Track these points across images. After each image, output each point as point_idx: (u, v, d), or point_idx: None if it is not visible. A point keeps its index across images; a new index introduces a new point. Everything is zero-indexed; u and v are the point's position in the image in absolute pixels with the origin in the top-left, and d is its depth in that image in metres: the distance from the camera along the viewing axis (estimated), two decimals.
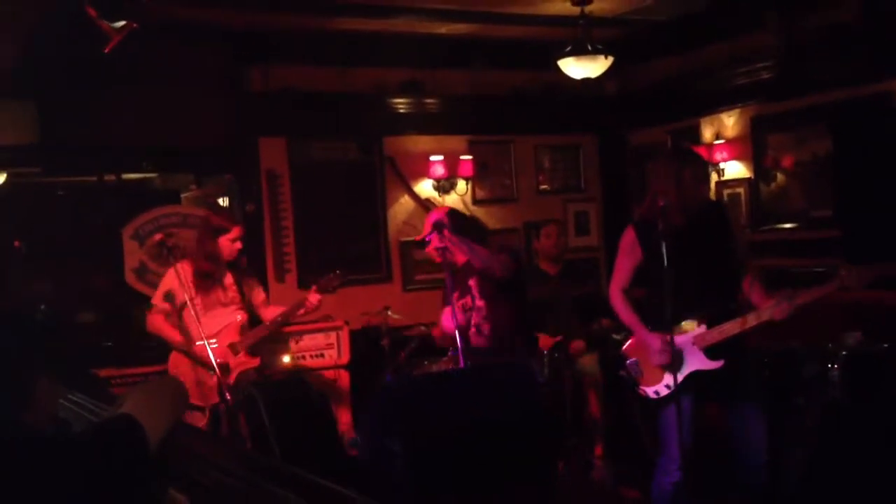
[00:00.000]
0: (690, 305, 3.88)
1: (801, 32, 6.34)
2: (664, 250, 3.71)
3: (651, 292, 4.01)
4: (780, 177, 6.81)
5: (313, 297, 4.98)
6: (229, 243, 4.95)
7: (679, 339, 3.87)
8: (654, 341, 3.94)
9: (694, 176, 3.99)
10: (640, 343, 4.08)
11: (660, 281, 3.76)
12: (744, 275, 3.98)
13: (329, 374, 6.49)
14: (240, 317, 4.97)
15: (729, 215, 4.27)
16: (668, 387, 3.95)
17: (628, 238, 4.09)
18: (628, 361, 4.15)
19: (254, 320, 5.11)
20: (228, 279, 5.00)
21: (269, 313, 5.11)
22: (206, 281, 4.83)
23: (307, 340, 6.54)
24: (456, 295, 4.40)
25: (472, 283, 4.59)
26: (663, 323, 3.86)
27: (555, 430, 5.16)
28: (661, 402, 4.01)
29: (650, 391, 4.05)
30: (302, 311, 5.03)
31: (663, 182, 3.93)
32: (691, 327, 3.92)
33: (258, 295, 5.15)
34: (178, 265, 4.84)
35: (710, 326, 3.89)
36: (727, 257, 3.98)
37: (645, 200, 4.07)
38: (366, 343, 6.65)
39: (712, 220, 4.04)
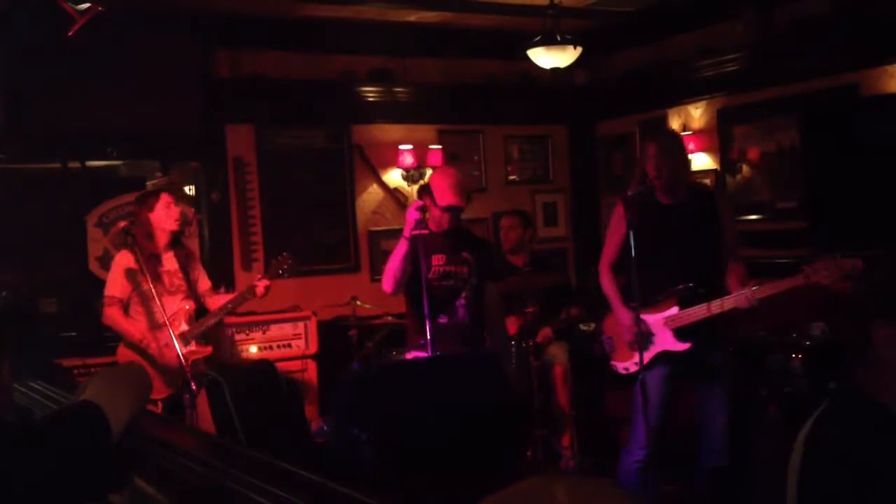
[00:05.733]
0: (666, 285, 3.96)
1: (771, 24, 6.39)
2: (632, 240, 3.80)
3: (630, 270, 4.08)
4: (745, 168, 6.87)
5: (261, 284, 4.85)
6: (165, 210, 4.80)
7: (650, 319, 3.98)
8: (625, 318, 4.02)
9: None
10: (614, 319, 4.16)
11: (638, 260, 3.87)
12: (728, 262, 4.04)
13: (297, 364, 6.45)
14: (188, 305, 4.88)
15: (721, 203, 4.31)
16: (637, 364, 4.04)
17: (617, 214, 4.16)
18: (603, 337, 4.26)
19: (201, 308, 5.01)
20: (173, 264, 4.88)
21: (215, 303, 4.98)
22: (150, 267, 4.67)
23: (275, 330, 6.50)
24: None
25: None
26: (638, 300, 3.94)
27: (521, 418, 5.17)
28: (631, 378, 4.08)
29: (620, 367, 4.19)
30: (251, 297, 4.89)
31: (661, 158, 3.99)
32: (666, 307, 4.00)
33: (203, 283, 5.03)
34: (119, 256, 4.79)
35: (681, 308, 3.96)
36: (711, 242, 4.04)
37: (635, 177, 4.16)
38: (334, 333, 6.62)
39: (702, 204, 4.12)
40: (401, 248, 4.06)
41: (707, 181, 7.13)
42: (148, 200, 4.85)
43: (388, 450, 3.06)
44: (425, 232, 4.04)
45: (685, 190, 4.10)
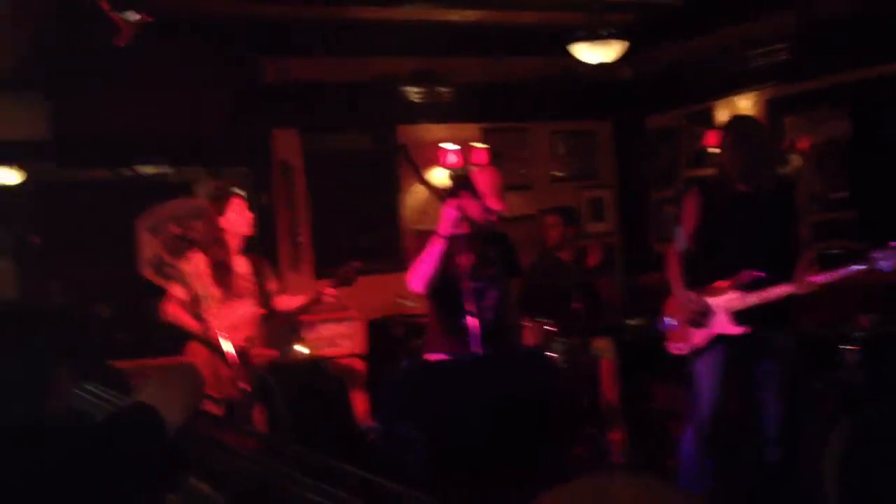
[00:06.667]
0: (735, 271, 3.96)
1: (818, 11, 6.27)
2: (679, 233, 3.94)
3: (698, 253, 4.09)
4: (796, 159, 6.75)
5: (329, 292, 4.89)
6: (237, 214, 4.82)
7: (710, 301, 4.01)
8: (682, 298, 4.04)
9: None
10: (674, 301, 4.21)
11: (705, 244, 3.99)
12: (799, 255, 3.99)
13: (345, 363, 6.50)
14: (256, 309, 4.87)
15: (799, 193, 4.31)
16: (691, 346, 4.05)
17: (691, 200, 4.15)
18: (664, 318, 4.32)
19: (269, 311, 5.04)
20: (244, 267, 4.88)
21: (282, 303, 5.00)
22: (221, 271, 4.74)
23: (323, 330, 6.55)
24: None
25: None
26: (701, 283, 4.03)
27: (569, 414, 5.15)
28: (683, 366, 4.09)
29: (674, 348, 4.23)
30: (320, 304, 4.95)
31: (737, 147, 4.02)
32: (729, 291, 4.01)
33: (271, 283, 5.04)
34: (191, 256, 4.81)
35: (742, 293, 3.96)
36: (785, 231, 4.03)
37: (719, 162, 4.20)
38: (381, 332, 6.65)
39: (780, 194, 4.10)
40: (437, 247, 3.92)
41: None
42: (218, 204, 4.85)
43: (436, 447, 3.07)
44: (465, 230, 3.98)
45: (764, 178, 4.06)
